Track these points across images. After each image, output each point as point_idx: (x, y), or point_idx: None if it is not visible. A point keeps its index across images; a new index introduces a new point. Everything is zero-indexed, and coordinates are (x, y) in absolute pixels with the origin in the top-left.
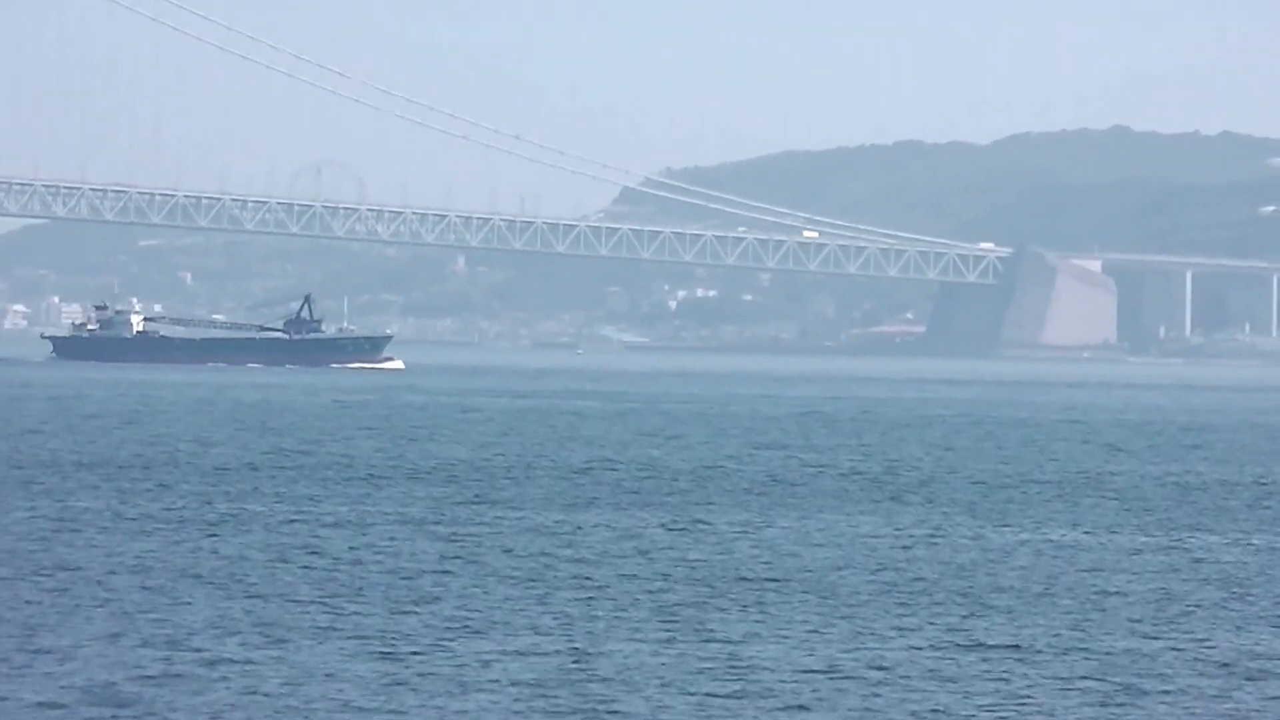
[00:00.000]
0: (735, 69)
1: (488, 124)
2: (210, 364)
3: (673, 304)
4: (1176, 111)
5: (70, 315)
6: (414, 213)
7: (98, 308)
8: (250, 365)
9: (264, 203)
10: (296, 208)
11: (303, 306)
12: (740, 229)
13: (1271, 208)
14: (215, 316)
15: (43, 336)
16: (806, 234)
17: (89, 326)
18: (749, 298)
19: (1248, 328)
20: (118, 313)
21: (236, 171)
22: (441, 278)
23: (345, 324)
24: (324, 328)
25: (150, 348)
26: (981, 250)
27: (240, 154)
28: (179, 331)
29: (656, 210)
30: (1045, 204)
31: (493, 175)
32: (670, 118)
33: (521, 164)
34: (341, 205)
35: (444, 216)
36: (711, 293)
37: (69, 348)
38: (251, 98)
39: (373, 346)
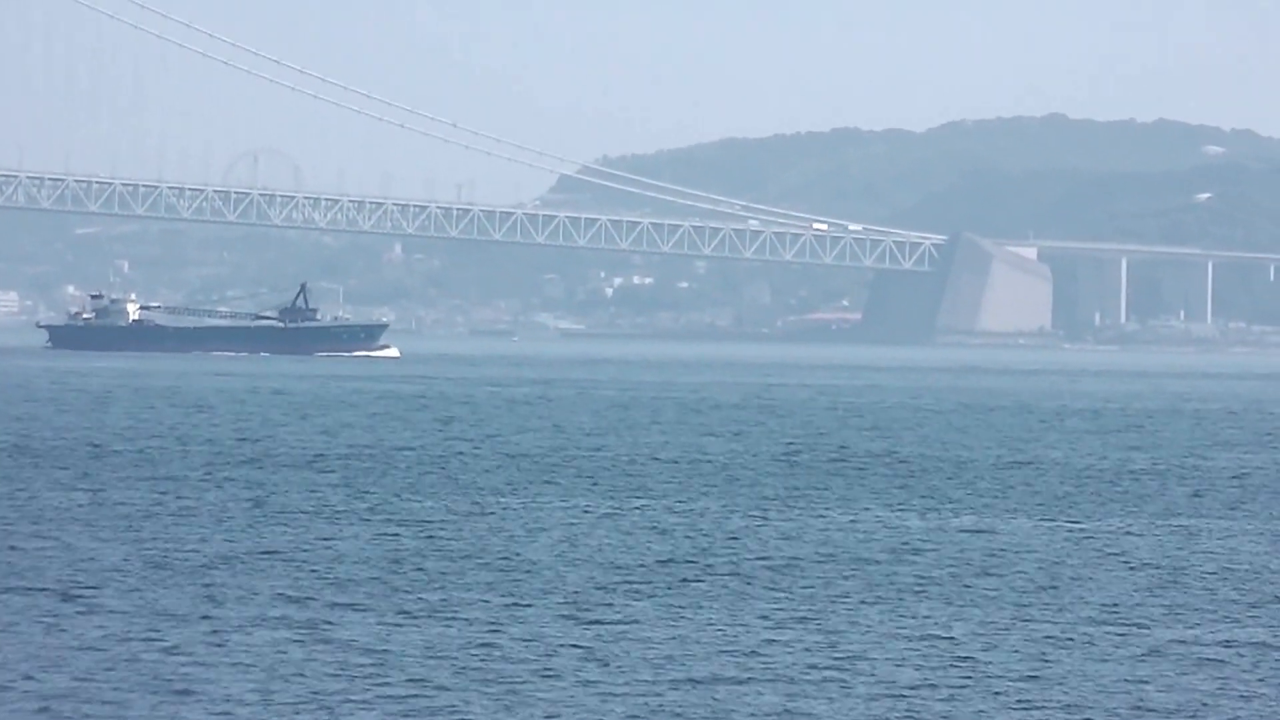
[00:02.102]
0: (673, 56)
1: (424, 111)
2: (212, 353)
3: (609, 291)
4: (1112, 100)
5: (6, 304)
6: (350, 200)
7: (93, 296)
8: (230, 354)
9: (201, 191)
10: (233, 196)
11: (298, 295)
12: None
13: (1206, 195)
14: (219, 307)
15: (38, 325)
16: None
17: (85, 315)
18: (685, 285)
19: (1183, 314)
20: (113, 302)
21: (173, 159)
22: (378, 266)
23: (340, 312)
24: (319, 316)
25: (146, 337)
26: (917, 237)
27: (177, 142)
28: (174, 320)
29: (593, 198)
30: (981, 192)
31: (429, 163)
32: (607, 105)
33: (458, 151)
34: (278, 193)
35: (381, 204)
36: (648, 280)
37: (65, 336)
38: (188, 85)
39: (368, 334)
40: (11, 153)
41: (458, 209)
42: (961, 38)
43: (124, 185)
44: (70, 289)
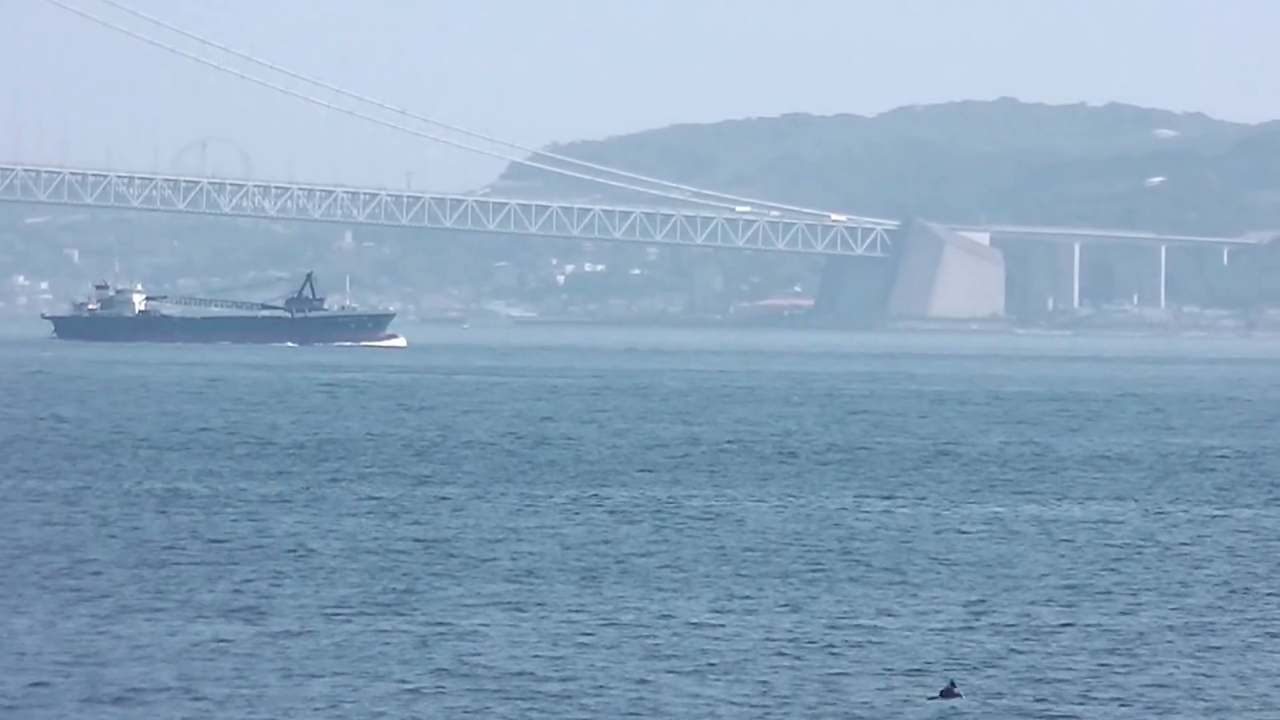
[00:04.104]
0: (622, 42)
1: (374, 99)
2: (217, 343)
3: (560, 278)
4: (1063, 83)
5: None
6: (300, 188)
7: (98, 287)
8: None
9: (150, 179)
10: (183, 184)
11: (304, 285)
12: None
13: (1158, 179)
14: (219, 296)
15: (44, 316)
16: (739, 209)
17: (90, 306)
18: (637, 271)
19: (1136, 299)
20: (119, 292)
21: (123, 148)
22: (328, 254)
23: (347, 302)
24: (326, 306)
25: (152, 327)
26: (869, 223)
27: (126, 131)
28: (180, 311)
29: (544, 185)
30: (932, 176)
31: (379, 151)
32: (557, 91)
33: (408, 139)
34: (228, 182)
35: (331, 192)
36: (599, 267)
37: (70, 328)
38: (136, 74)
39: (375, 324)
40: None
41: (408, 197)
42: (912, 21)
43: (73, 174)
44: (20, 279)
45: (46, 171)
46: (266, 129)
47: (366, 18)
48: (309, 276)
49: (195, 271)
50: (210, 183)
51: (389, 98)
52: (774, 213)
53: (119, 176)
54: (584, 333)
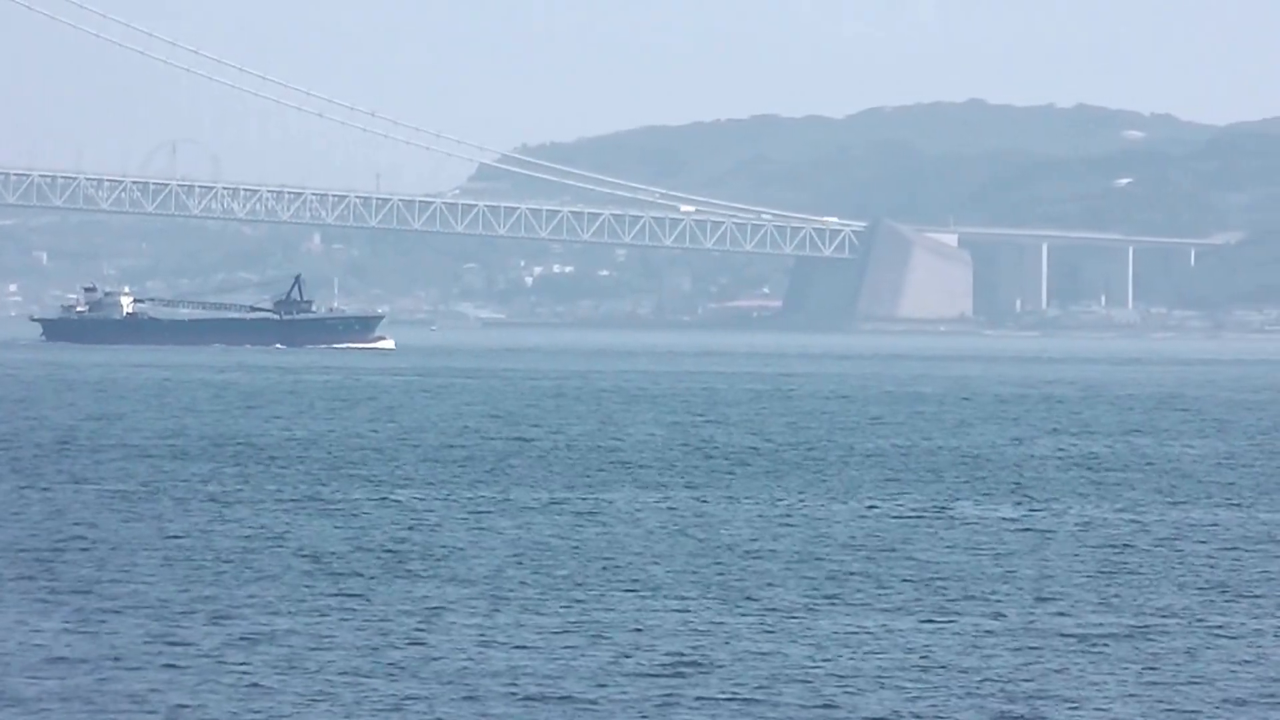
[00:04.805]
0: (591, 43)
1: (343, 100)
2: (205, 345)
3: (529, 280)
4: (1031, 84)
5: None
6: (269, 191)
7: (87, 289)
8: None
9: (119, 181)
10: (152, 186)
11: (293, 287)
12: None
13: (1126, 180)
14: (210, 299)
15: (32, 319)
16: (684, 209)
17: (78, 308)
18: (605, 273)
19: (1104, 300)
20: (107, 294)
21: (91, 150)
22: (297, 256)
23: (335, 304)
24: (314, 308)
25: (141, 329)
26: (837, 224)
27: (95, 132)
28: (168, 313)
29: (513, 186)
30: (901, 177)
31: (348, 152)
32: (526, 93)
33: (377, 140)
34: (197, 184)
35: (299, 194)
36: (568, 268)
37: (58, 330)
38: (105, 76)
39: (364, 326)
40: None
41: (377, 198)
42: (881, 23)
43: (42, 176)
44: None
45: (15, 174)
46: (236, 131)
47: (336, 20)
48: (297, 279)
49: (164, 274)
50: (179, 185)
51: (358, 100)
52: (737, 215)
53: (88, 179)
54: (556, 334)
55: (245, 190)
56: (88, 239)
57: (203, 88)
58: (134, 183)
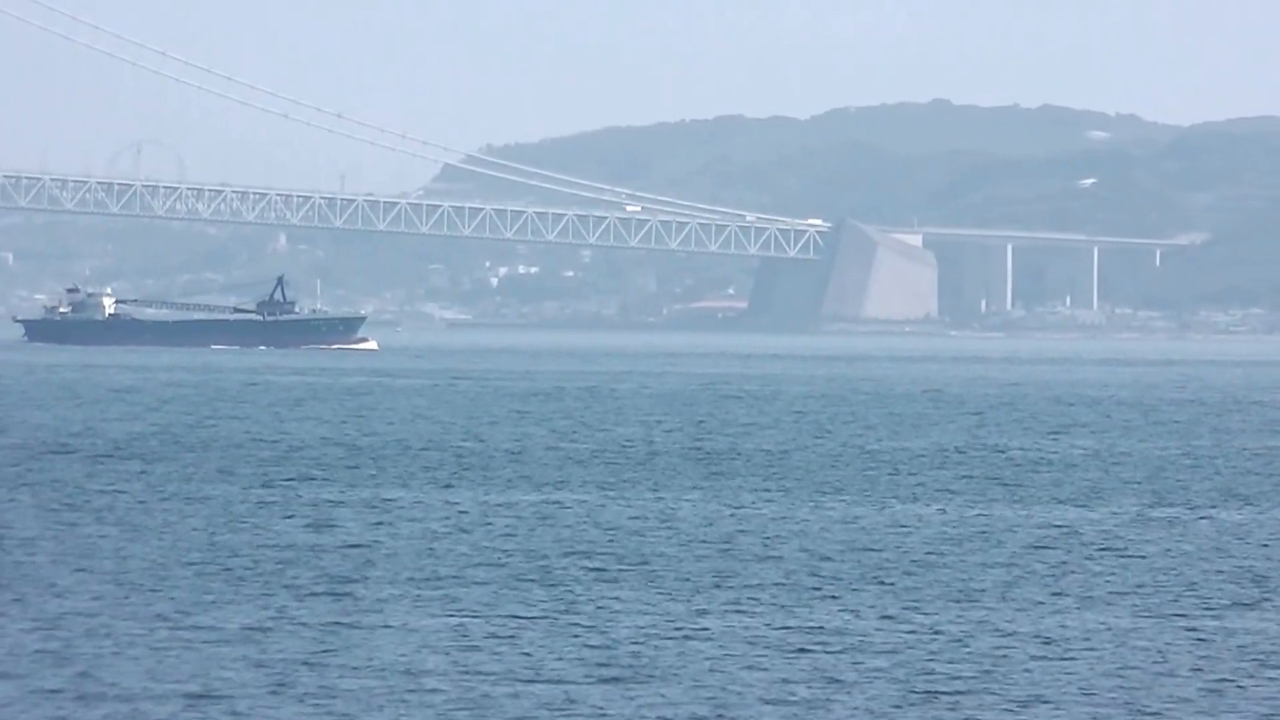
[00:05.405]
0: (555, 44)
1: (308, 101)
2: (188, 347)
3: (494, 281)
4: (996, 84)
5: None
6: (234, 191)
7: (69, 290)
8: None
9: (84, 182)
10: (116, 187)
11: (275, 288)
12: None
13: (1091, 180)
14: (194, 299)
15: (15, 320)
16: (630, 209)
17: (61, 309)
18: (570, 274)
19: (1069, 300)
20: (89, 295)
21: (56, 151)
22: (262, 256)
23: (318, 305)
24: (297, 309)
25: (123, 330)
26: (802, 225)
27: (60, 133)
28: (151, 314)
29: (477, 187)
30: (866, 178)
31: (313, 153)
32: (491, 94)
33: (342, 141)
34: (162, 184)
35: (264, 195)
36: (533, 269)
37: (41, 331)
38: (70, 76)
39: (347, 327)
40: None
41: (341, 199)
42: (845, 23)
43: (6, 177)
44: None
45: None
46: (201, 132)
47: (301, 21)
48: (279, 280)
49: (129, 274)
50: (144, 185)
51: (323, 101)
52: (701, 215)
53: (52, 179)
54: (525, 335)
55: (210, 191)
56: (54, 240)
57: (168, 88)
58: (99, 183)
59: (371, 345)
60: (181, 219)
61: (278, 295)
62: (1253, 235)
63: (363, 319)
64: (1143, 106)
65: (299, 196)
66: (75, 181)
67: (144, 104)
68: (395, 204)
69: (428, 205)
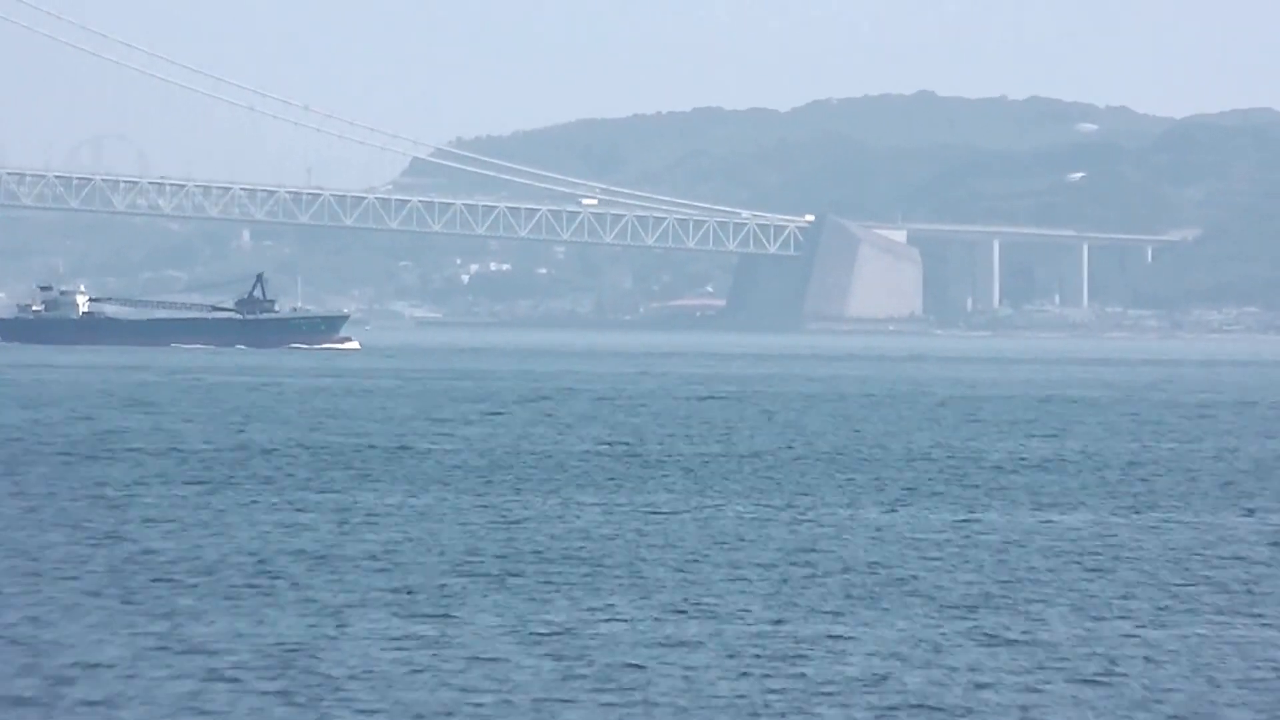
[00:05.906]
0: (528, 33)
1: (273, 94)
2: (165, 346)
3: (465, 278)
4: (983, 75)
5: None
6: (196, 186)
7: (43, 288)
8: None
9: (42, 177)
10: (75, 181)
11: (255, 286)
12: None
13: (1080, 174)
14: (166, 297)
15: None
16: (586, 201)
17: (34, 308)
18: (544, 271)
19: (1057, 299)
20: (63, 293)
21: (13, 145)
22: (226, 252)
23: (299, 303)
24: (277, 307)
25: (99, 329)
26: (782, 220)
27: (17, 127)
28: (126, 312)
29: (447, 181)
30: (848, 172)
31: (278, 147)
32: (461, 86)
33: (308, 134)
34: (122, 179)
35: (228, 189)
36: (505, 266)
37: (13, 330)
38: (28, 68)
39: (328, 326)
40: None
41: (307, 194)
42: (826, 13)
43: None
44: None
45: None
46: (163, 125)
47: (266, 12)
48: (259, 277)
49: (90, 271)
50: (104, 180)
51: (290, 94)
52: (679, 210)
53: (9, 173)
54: (500, 334)
55: (172, 185)
56: (13, 236)
57: (129, 80)
58: (57, 178)
59: (354, 345)
60: (143, 214)
61: (257, 293)
62: (1246, 231)
63: (345, 318)
64: (1133, 98)
65: (264, 191)
66: (33, 176)
67: (104, 96)
68: (363, 199)
69: (396, 200)
